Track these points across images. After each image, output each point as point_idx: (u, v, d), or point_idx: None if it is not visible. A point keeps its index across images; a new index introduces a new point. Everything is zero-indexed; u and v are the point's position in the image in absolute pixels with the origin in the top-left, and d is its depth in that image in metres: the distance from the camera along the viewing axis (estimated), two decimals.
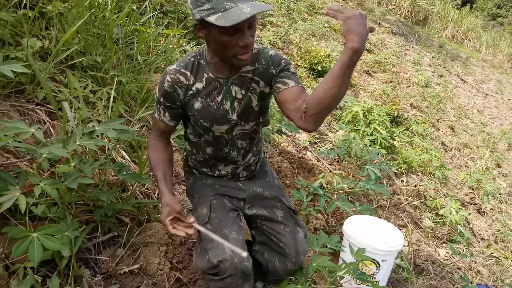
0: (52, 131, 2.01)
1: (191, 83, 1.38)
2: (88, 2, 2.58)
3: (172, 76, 1.38)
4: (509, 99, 10.33)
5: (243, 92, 1.40)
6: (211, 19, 1.15)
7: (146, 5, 3.36)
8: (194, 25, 1.25)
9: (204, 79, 1.38)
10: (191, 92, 1.39)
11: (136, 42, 2.87)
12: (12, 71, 1.54)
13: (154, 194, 2.17)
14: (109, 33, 2.57)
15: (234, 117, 1.43)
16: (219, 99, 1.40)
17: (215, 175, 1.61)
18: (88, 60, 2.45)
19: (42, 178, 1.49)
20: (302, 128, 1.25)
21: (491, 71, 12.54)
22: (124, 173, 1.75)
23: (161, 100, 1.42)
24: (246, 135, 1.51)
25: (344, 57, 1.06)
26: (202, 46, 1.43)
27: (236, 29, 1.18)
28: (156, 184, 1.47)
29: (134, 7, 3.26)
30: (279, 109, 3.58)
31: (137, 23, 3.05)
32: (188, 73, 1.38)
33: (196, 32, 1.27)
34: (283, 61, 1.38)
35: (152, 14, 3.34)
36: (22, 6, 2.37)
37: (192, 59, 1.40)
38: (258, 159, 1.66)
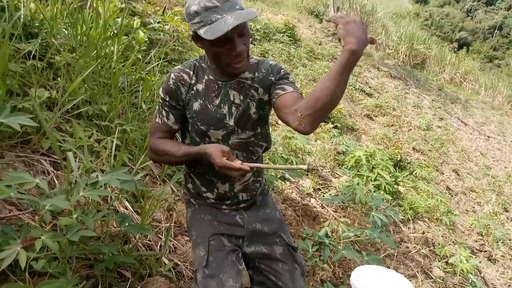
0: (56, 181, 2.00)
1: (193, 83, 1.42)
2: (95, 52, 2.65)
3: (176, 74, 1.42)
4: (511, 141, 10.35)
5: (241, 97, 1.42)
6: (201, 32, 1.22)
7: (151, 55, 3.45)
8: (192, 37, 1.32)
9: (204, 81, 1.42)
10: (192, 91, 1.42)
11: (141, 91, 2.92)
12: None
13: (157, 246, 2.12)
14: (114, 82, 2.62)
15: (231, 122, 1.42)
16: (217, 102, 1.41)
17: (213, 197, 1.55)
18: (94, 109, 2.48)
19: (44, 231, 1.46)
20: (298, 130, 1.24)
21: (492, 113, 12.66)
22: (127, 224, 1.71)
23: (166, 99, 1.43)
24: (243, 145, 1.48)
25: (341, 59, 1.09)
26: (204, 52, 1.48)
27: (226, 39, 1.23)
28: (189, 154, 1.38)
29: (140, 56, 3.35)
30: (282, 154, 3.59)
31: (142, 72, 3.12)
32: (191, 73, 1.43)
33: (195, 44, 1.34)
34: (282, 70, 1.44)
35: (157, 63, 3.42)
36: (31, 57, 2.43)
37: (195, 61, 1.46)
38: (260, 185, 1.63)
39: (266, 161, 3.13)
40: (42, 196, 1.76)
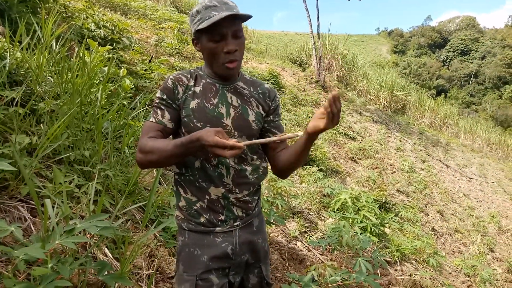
0: (33, 228, 1.94)
1: (191, 84, 1.48)
2: (79, 99, 2.68)
3: (175, 76, 1.49)
4: (493, 182, 10.53)
5: (239, 101, 1.50)
6: (200, 27, 1.35)
7: (136, 101, 3.50)
8: (192, 40, 1.46)
9: (202, 84, 1.50)
10: (190, 92, 1.47)
11: (126, 135, 2.92)
12: None
13: None
14: (98, 128, 2.63)
15: (228, 122, 1.46)
16: (214, 101, 1.47)
17: (205, 210, 1.49)
18: (76, 155, 2.47)
19: (17, 282, 1.41)
20: (275, 174, 1.57)
21: (472, 155, 12.96)
22: (106, 273, 1.66)
23: (163, 97, 1.46)
24: None
25: (308, 142, 1.38)
26: (200, 65, 1.59)
27: (220, 35, 1.36)
28: (181, 144, 1.30)
29: (125, 103, 3.39)
30: (267, 199, 3.57)
31: (127, 118, 3.14)
32: (189, 76, 1.51)
33: (195, 47, 1.47)
34: (277, 99, 1.62)
35: (142, 109, 3.46)
36: (14, 103, 2.44)
37: (192, 70, 1.54)
38: (256, 204, 1.61)
39: None
40: (17, 243, 1.71)
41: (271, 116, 1.58)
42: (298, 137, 1.34)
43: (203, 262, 1.49)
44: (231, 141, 1.21)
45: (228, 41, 1.37)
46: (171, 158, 1.36)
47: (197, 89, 1.48)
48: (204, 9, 1.37)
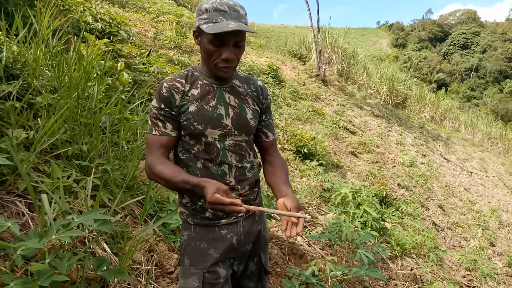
0: (31, 223, 1.92)
1: (186, 89, 1.46)
2: (76, 93, 2.64)
3: (169, 83, 1.45)
4: (493, 177, 10.52)
5: (237, 100, 1.51)
6: (203, 27, 1.33)
7: (132, 93, 3.46)
8: (194, 32, 1.44)
9: (199, 86, 1.48)
10: (187, 97, 1.45)
11: (123, 130, 2.89)
12: None
13: None
14: (95, 122, 2.60)
15: (228, 122, 1.47)
16: (213, 103, 1.47)
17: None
18: (74, 149, 2.44)
19: (14, 277, 1.39)
20: None
21: (473, 149, 12.94)
22: (104, 268, 1.64)
23: (161, 106, 1.43)
24: (237, 147, 1.50)
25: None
26: (196, 63, 1.56)
27: (222, 41, 1.35)
28: (188, 183, 1.35)
29: (124, 97, 3.36)
30: (266, 194, 3.55)
31: (125, 112, 3.11)
32: (183, 81, 1.47)
33: (194, 39, 1.45)
34: (269, 96, 1.63)
35: (140, 102, 3.43)
36: (11, 97, 2.41)
37: (187, 72, 1.51)
38: (257, 195, 1.64)
39: None
40: (14, 239, 1.69)
41: (263, 115, 1.60)
42: (306, 219, 1.31)
43: (210, 255, 1.51)
44: (231, 199, 1.25)
45: (228, 49, 1.37)
46: (176, 189, 1.50)
47: (195, 91, 1.46)
48: (214, 11, 1.34)
